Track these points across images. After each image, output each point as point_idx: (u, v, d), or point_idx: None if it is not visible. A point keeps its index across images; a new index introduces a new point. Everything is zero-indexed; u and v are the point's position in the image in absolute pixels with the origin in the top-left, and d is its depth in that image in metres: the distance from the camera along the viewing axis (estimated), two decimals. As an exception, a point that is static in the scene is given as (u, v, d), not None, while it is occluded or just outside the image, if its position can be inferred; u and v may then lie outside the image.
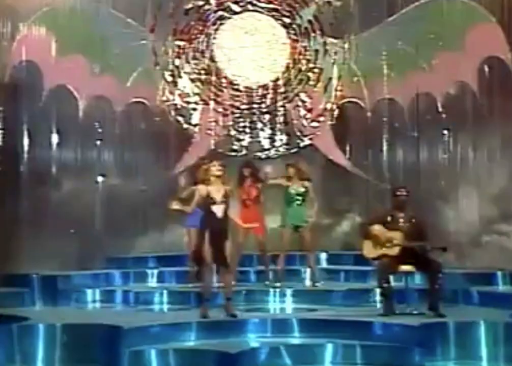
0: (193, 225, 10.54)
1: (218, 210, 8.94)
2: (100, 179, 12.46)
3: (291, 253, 11.74)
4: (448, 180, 12.33)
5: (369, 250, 9.25)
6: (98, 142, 12.57)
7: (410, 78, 12.59)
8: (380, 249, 9.15)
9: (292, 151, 13.08)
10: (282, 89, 13.21)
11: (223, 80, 13.20)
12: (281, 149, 13.18)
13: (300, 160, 11.89)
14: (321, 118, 13.15)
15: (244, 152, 13.15)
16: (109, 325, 8.40)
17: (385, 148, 12.98)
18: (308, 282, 11.37)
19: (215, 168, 8.96)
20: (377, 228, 9.20)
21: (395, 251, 9.10)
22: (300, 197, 11.15)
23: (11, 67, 11.74)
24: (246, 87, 13.22)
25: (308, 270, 11.49)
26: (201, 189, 8.98)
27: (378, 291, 9.34)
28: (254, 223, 11.07)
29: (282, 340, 8.50)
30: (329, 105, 13.14)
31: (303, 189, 11.15)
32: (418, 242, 9.08)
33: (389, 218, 9.26)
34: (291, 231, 11.17)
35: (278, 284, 10.93)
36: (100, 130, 12.55)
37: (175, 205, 9.64)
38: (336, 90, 13.15)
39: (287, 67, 13.23)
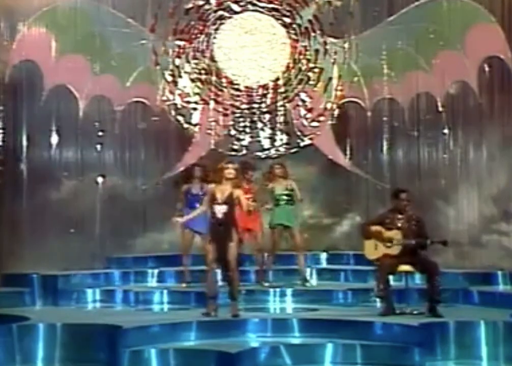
0: (186, 226, 10.65)
1: (218, 210, 8.98)
2: (99, 179, 12.46)
3: (291, 253, 11.75)
4: (448, 179, 12.32)
5: (370, 251, 9.27)
6: (98, 146, 12.56)
7: (410, 78, 12.58)
8: (381, 250, 9.16)
9: (292, 151, 13.06)
10: (282, 89, 13.18)
11: (223, 80, 13.18)
12: (281, 149, 13.16)
13: (283, 160, 11.88)
14: (322, 118, 13.12)
15: (244, 151, 13.13)
16: (109, 325, 8.41)
17: (385, 147, 12.97)
18: (302, 283, 11.33)
19: (227, 171, 9.02)
20: (377, 228, 9.22)
21: (396, 250, 9.12)
22: (286, 197, 11.14)
23: (11, 67, 11.74)
24: (246, 87, 13.19)
25: (303, 270, 11.45)
26: (210, 188, 9.16)
27: (375, 292, 9.33)
28: (251, 224, 11.07)
29: (282, 340, 8.52)
30: (329, 105, 13.12)
31: (289, 188, 11.15)
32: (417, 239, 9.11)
33: (387, 220, 9.28)
34: (279, 231, 11.17)
35: (266, 284, 10.94)
36: (100, 130, 12.53)
37: (179, 219, 9.61)
38: (336, 90, 13.12)
39: (287, 67, 13.20)
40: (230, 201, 8.99)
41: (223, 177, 9.04)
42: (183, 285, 11.02)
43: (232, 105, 13.16)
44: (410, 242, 9.11)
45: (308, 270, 11.58)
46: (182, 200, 11.11)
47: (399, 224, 9.22)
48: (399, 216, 9.27)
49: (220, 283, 9.48)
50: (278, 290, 10.73)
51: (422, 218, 9.41)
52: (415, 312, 9.09)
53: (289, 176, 11.35)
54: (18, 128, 11.88)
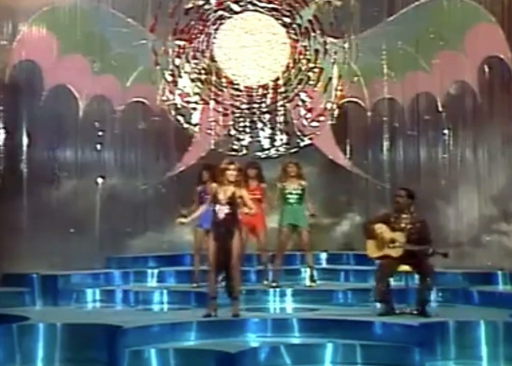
0: (199, 225, 10.61)
1: (220, 210, 8.96)
2: (99, 180, 12.46)
3: (291, 253, 11.76)
4: (448, 179, 12.33)
5: (372, 250, 9.26)
6: (99, 146, 12.58)
7: (410, 78, 12.59)
8: (384, 250, 9.15)
9: (292, 151, 13.07)
10: (282, 89, 13.19)
11: (223, 80, 13.19)
12: (281, 148, 13.16)
13: (297, 159, 11.84)
14: (322, 118, 13.13)
15: (244, 151, 13.14)
16: (109, 324, 8.41)
17: (385, 147, 12.97)
18: (307, 282, 11.32)
19: (230, 173, 8.98)
20: (381, 227, 9.19)
21: (398, 252, 9.09)
22: (297, 197, 11.10)
23: (11, 67, 11.74)
24: (246, 87, 13.20)
25: (308, 269, 11.45)
26: (213, 187, 9.09)
27: (374, 293, 9.32)
28: (255, 223, 11.06)
29: (282, 340, 8.51)
30: (329, 105, 13.13)
31: (300, 188, 11.10)
32: (420, 244, 9.07)
33: (392, 219, 9.26)
34: (288, 230, 11.14)
35: (274, 284, 10.92)
36: (100, 130, 12.54)
37: (182, 219, 9.57)
38: (336, 89, 13.13)
39: (287, 67, 13.21)
40: (233, 201, 8.96)
41: (225, 178, 9.00)
42: (193, 285, 10.96)
43: (232, 105, 13.17)
44: (413, 248, 9.08)
45: (308, 270, 11.56)
46: (196, 201, 10.94)
47: (403, 225, 9.19)
48: (404, 216, 9.24)
49: (221, 283, 9.46)
50: (278, 289, 10.73)
51: (426, 221, 9.36)
52: (415, 312, 9.08)
53: (303, 176, 11.19)
54: (18, 128, 11.89)
